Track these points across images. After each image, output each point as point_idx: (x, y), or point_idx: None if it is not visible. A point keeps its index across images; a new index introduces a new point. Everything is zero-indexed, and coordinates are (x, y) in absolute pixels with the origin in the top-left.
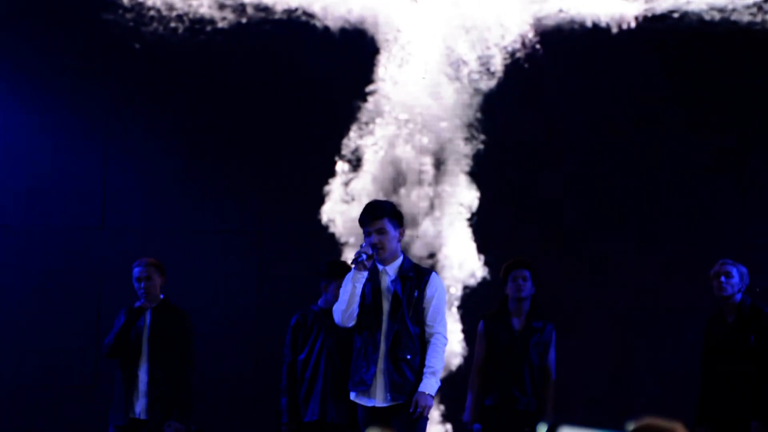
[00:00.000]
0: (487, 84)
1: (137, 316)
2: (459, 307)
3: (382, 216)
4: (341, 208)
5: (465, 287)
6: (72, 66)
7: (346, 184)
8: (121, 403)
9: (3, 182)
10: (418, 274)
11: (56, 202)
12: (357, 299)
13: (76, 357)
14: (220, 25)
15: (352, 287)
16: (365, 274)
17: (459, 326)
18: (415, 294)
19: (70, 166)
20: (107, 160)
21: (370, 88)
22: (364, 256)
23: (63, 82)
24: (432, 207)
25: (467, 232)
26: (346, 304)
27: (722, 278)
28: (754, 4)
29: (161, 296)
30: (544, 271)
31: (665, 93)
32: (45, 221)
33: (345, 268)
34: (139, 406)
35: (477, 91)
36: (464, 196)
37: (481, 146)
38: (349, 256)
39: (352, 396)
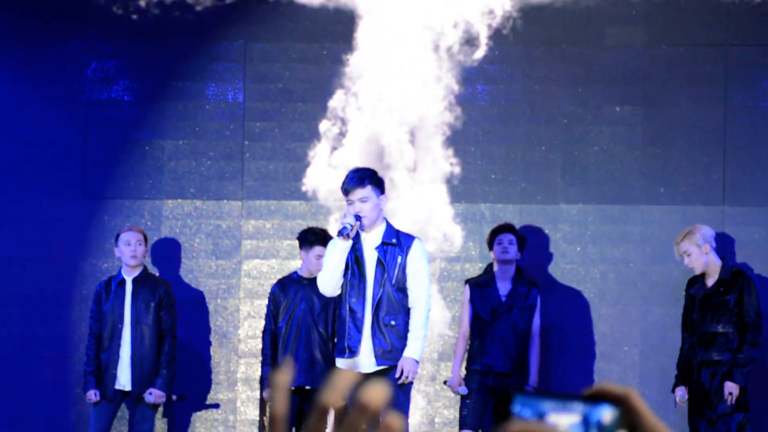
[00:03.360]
0: (469, 56)
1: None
2: (442, 275)
3: (364, 184)
4: (326, 175)
5: (447, 257)
6: (53, 36)
7: (332, 149)
8: (105, 376)
9: None
10: (402, 240)
11: (37, 173)
12: (341, 269)
13: (54, 327)
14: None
15: (336, 257)
16: (349, 243)
17: (441, 293)
18: (399, 260)
19: (50, 136)
20: (88, 130)
21: (349, 56)
22: (348, 228)
23: (43, 51)
24: (412, 178)
25: (448, 203)
26: (330, 274)
27: (684, 259)
28: None
29: (142, 266)
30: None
31: (653, 61)
32: (25, 191)
33: (323, 235)
34: (124, 377)
35: (457, 62)
36: (444, 166)
37: (461, 117)
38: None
39: (338, 363)
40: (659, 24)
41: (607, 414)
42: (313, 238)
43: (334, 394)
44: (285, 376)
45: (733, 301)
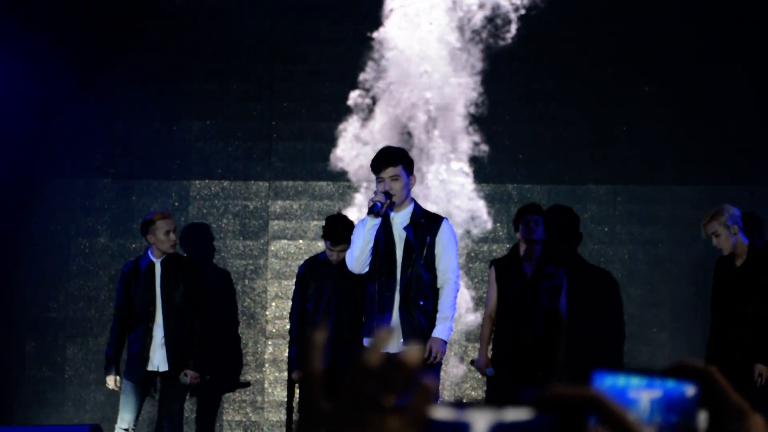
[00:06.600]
0: (495, 36)
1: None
2: (469, 256)
3: (395, 163)
4: (353, 156)
5: (474, 238)
6: (81, 18)
7: (360, 127)
8: (137, 359)
9: (12, 133)
10: (430, 221)
11: (65, 153)
12: (370, 246)
13: (83, 307)
14: None
15: (365, 234)
16: (379, 221)
17: (469, 274)
18: (428, 240)
19: (79, 116)
20: (118, 109)
21: (376, 36)
22: (379, 205)
23: (72, 33)
24: (437, 159)
25: (475, 183)
26: (359, 251)
27: (713, 240)
28: None
29: None
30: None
31: (682, 39)
32: (54, 171)
33: (346, 235)
34: (157, 358)
35: (484, 42)
36: (471, 146)
37: (488, 97)
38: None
39: (366, 342)
40: (690, 1)
41: (689, 391)
42: (337, 239)
43: (375, 350)
44: (322, 335)
45: (762, 281)
